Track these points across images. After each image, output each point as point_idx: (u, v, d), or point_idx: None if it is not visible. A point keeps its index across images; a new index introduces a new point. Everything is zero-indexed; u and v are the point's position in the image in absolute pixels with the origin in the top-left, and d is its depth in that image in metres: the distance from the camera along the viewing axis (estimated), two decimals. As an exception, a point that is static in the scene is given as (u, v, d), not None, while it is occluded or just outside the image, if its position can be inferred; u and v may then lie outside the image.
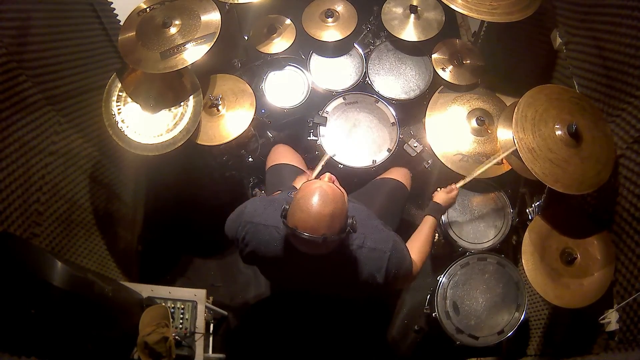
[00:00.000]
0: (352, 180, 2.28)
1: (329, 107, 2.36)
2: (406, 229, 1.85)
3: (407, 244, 1.64)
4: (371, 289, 1.52)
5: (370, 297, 2.47)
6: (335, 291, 1.72)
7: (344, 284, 1.57)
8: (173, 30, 2.02)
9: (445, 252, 2.37)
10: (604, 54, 1.75)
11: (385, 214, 1.94)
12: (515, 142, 1.67)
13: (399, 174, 2.22)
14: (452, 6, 1.99)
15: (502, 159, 2.02)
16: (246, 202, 1.64)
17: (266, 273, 1.81)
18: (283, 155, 2.25)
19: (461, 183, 1.93)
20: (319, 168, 1.94)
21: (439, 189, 1.91)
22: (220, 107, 2.24)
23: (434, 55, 2.37)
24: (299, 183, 1.92)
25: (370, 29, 2.72)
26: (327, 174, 1.52)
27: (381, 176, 2.23)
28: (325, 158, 1.99)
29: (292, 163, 2.20)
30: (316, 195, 1.31)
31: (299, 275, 1.60)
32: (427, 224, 1.79)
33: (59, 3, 1.93)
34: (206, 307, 2.12)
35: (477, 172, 1.94)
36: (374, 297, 2.49)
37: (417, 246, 1.69)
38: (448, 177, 2.21)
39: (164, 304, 2.02)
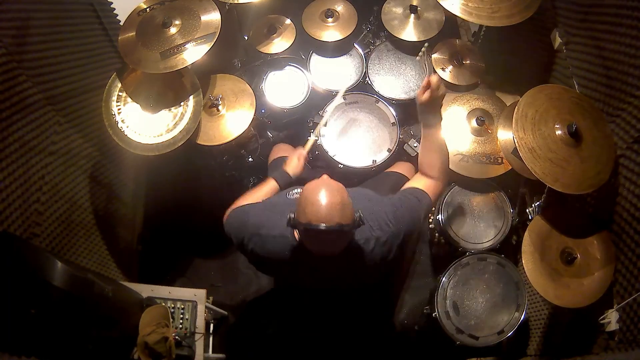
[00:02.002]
0: (353, 180, 2.28)
1: (329, 107, 2.36)
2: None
3: (420, 165, 1.69)
4: (388, 266, 1.54)
5: (370, 294, 2.48)
6: (349, 285, 1.72)
7: (357, 278, 1.58)
8: (173, 30, 2.02)
9: (445, 252, 2.37)
10: (604, 54, 1.75)
11: None
12: (516, 141, 1.67)
13: (404, 169, 2.22)
14: (453, 11, 1.99)
15: (497, 155, 2.02)
16: (247, 210, 1.63)
17: (276, 278, 1.80)
18: (283, 150, 2.29)
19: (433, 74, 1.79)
20: (309, 144, 2.00)
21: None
22: (220, 107, 2.24)
23: (434, 55, 2.37)
24: (275, 153, 2.01)
25: (370, 29, 2.72)
26: (325, 175, 1.52)
27: (386, 170, 2.23)
28: (314, 136, 2.05)
29: None
30: (322, 188, 1.33)
31: (310, 278, 1.61)
32: (427, 138, 1.65)
33: (59, 3, 1.93)
34: (206, 307, 2.12)
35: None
36: (376, 290, 2.50)
37: (427, 165, 1.66)
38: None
39: (164, 304, 2.02)
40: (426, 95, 1.57)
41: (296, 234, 1.47)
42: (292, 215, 1.36)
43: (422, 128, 1.66)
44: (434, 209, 2.27)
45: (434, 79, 1.56)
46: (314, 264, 1.49)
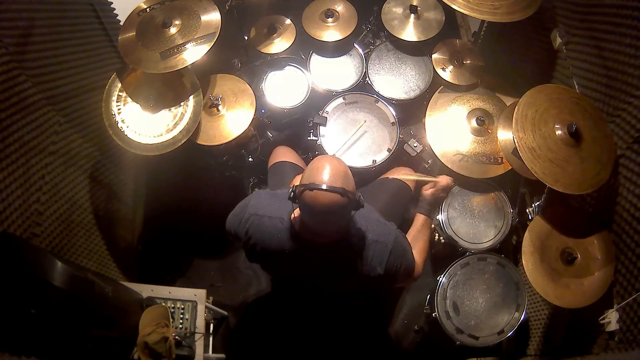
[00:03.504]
0: (352, 180, 2.28)
1: (329, 107, 2.36)
2: (406, 229, 1.85)
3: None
4: (372, 282, 1.53)
5: (372, 293, 2.47)
6: (337, 284, 1.72)
7: (345, 276, 1.58)
8: (173, 30, 2.02)
9: (445, 252, 2.37)
10: (604, 54, 1.75)
11: (387, 212, 1.95)
12: (516, 141, 1.67)
13: (403, 174, 2.21)
14: (454, 6, 1.99)
15: (497, 155, 2.02)
16: (250, 196, 1.64)
17: (269, 268, 1.81)
18: (283, 154, 2.27)
19: (430, 178, 1.90)
20: None
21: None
22: (220, 107, 2.24)
23: (434, 55, 2.38)
24: (296, 181, 1.93)
25: (370, 29, 2.72)
26: None
27: (385, 175, 2.23)
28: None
29: (292, 161, 2.22)
30: (329, 158, 1.37)
31: (302, 269, 1.60)
32: (417, 222, 1.77)
33: (59, 3, 1.93)
34: (206, 307, 2.12)
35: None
36: (376, 291, 2.49)
37: (413, 246, 1.68)
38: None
39: (164, 304, 2.02)
40: (430, 191, 1.78)
41: (293, 216, 1.47)
42: (295, 186, 1.36)
43: (416, 212, 1.79)
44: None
45: (444, 180, 1.78)
46: (306, 252, 1.49)
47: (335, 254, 1.49)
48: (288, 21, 2.53)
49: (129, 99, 2.09)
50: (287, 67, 2.52)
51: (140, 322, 1.87)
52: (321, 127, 2.30)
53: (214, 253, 2.73)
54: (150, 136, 2.05)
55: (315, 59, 2.53)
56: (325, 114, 2.33)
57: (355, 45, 2.55)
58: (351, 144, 2.28)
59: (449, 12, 2.35)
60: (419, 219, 1.78)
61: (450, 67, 2.33)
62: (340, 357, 2.48)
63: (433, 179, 1.81)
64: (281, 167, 2.20)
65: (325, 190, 1.27)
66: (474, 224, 2.23)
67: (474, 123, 2.18)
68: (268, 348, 2.49)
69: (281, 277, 2.51)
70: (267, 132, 2.67)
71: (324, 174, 1.30)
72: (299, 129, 2.62)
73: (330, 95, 2.41)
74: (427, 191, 1.83)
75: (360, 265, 1.49)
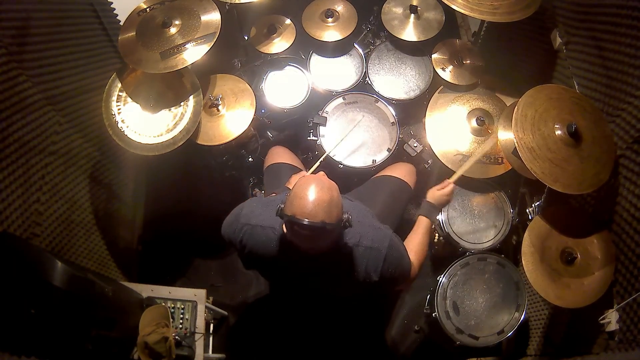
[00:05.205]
0: (352, 179, 2.28)
1: (329, 107, 2.36)
2: (406, 228, 1.85)
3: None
4: (368, 288, 1.52)
5: (369, 297, 2.47)
6: (333, 290, 1.72)
7: (340, 283, 1.57)
8: (173, 30, 2.02)
9: (445, 252, 2.37)
10: (604, 54, 1.75)
11: (386, 212, 1.94)
12: (515, 141, 1.67)
13: (403, 171, 2.19)
14: (453, 6, 1.99)
15: (498, 155, 2.02)
16: (242, 204, 1.64)
17: (266, 274, 1.81)
18: (279, 155, 2.27)
19: (454, 178, 1.88)
20: (316, 165, 1.95)
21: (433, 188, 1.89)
22: (220, 107, 2.24)
23: (434, 55, 2.38)
24: (292, 182, 1.92)
25: (370, 29, 2.72)
26: (321, 172, 1.52)
27: (383, 173, 2.20)
28: (322, 157, 2.01)
29: (288, 162, 2.21)
30: (313, 183, 1.34)
31: (297, 276, 1.60)
32: (420, 225, 1.76)
33: (59, 3, 1.93)
34: (206, 307, 2.12)
35: (468, 165, 1.91)
36: (373, 296, 2.49)
37: (412, 248, 1.67)
38: (448, 177, 2.21)
39: (164, 304, 2.02)
40: (442, 192, 1.80)
41: (284, 227, 1.47)
42: (282, 206, 1.36)
43: (418, 215, 1.78)
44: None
45: (452, 185, 1.82)
46: (299, 261, 1.48)
47: (329, 263, 1.48)
48: (288, 21, 2.53)
49: (129, 99, 2.09)
50: (287, 67, 2.52)
51: (140, 322, 1.87)
52: (321, 127, 2.30)
53: (214, 253, 2.73)
54: (150, 136, 2.05)
55: (315, 59, 2.53)
56: (325, 114, 2.33)
57: (355, 45, 2.55)
58: (351, 143, 2.28)
59: (449, 12, 2.35)
60: (422, 222, 1.77)
61: (450, 67, 2.33)
62: (339, 357, 2.48)
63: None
64: (277, 169, 2.20)
65: (306, 225, 1.28)
66: (474, 224, 2.23)
67: (474, 123, 2.18)
68: (268, 348, 2.49)
69: (279, 284, 2.51)
70: (267, 132, 2.67)
71: (306, 206, 1.29)
72: (298, 129, 2.63)
73: (330, 95, 2.41)
74: (437, 194, 1.81)
75: (356, 273, 1.48)
